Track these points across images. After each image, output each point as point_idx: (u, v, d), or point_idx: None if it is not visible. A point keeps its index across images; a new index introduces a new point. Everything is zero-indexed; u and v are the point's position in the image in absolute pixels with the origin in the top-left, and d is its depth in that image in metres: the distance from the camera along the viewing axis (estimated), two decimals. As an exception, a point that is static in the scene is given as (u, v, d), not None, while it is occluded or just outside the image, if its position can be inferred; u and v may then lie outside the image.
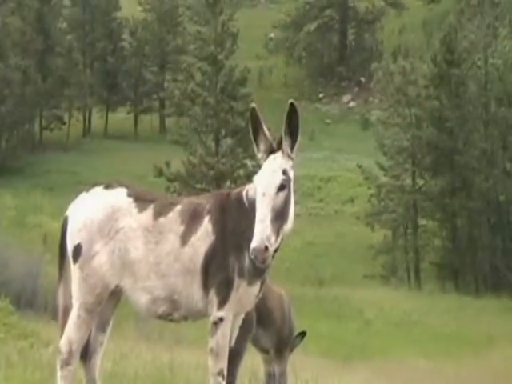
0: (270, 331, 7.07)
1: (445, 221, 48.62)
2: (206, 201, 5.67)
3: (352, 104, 76.93)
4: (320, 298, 37.46)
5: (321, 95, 78.58)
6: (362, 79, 78.24)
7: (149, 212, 5.64)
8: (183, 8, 78.33)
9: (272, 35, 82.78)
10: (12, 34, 62.78)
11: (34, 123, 66.00)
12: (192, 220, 5.57)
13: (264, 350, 7.24)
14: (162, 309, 5.60)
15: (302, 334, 7.37)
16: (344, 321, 34.46)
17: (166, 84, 70.99)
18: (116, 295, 5.73)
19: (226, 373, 5.49)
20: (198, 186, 42.17)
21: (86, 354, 5.82)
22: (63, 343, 5.66)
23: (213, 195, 5.82)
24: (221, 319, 5.43)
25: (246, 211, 5.44)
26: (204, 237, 5.51)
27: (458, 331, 33.45)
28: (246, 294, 5.50)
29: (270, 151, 5.36)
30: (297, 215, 5.47)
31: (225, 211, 5.55)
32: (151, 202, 5.70)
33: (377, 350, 28.49)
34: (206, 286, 5.48)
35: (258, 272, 5.43)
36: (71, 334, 5.64)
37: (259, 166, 5.41)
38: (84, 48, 72.41)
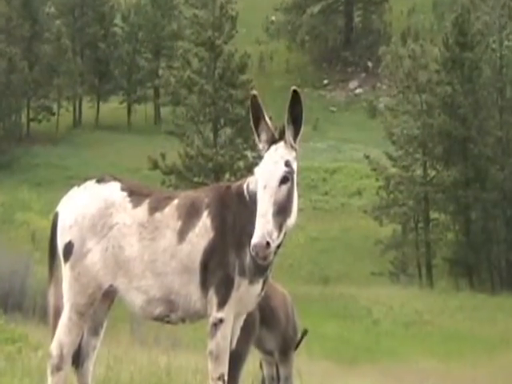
0: (274, 332, 7.07)
1: (458, 214, 48.64)
2: (204, 194, 5.65)
3: (359, 90, 76.89)
4: (325, 296, 37.55)
5: (325, 81, 78.54)
6: (370, 64, 78.18)
7: (144, 207, 5.62)
8: (179, -10, 78.27)
9: (273, 18, 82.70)
10: (-3, 19, 62.78)
11: (21, 114, 66.02)
12: (190, 215, 5.55)
13: (268, 352, 7.23)
14: (158, 310, 5.58)
15: (304, 332, 7.37)
16: (351, 321, 34.54)
17: (160, 71, 70.96)
18: (109, 296, 5.72)
19: (226, 377, 5.49)
20: (196, 179, 42.18)
21: (77, 358, 5.81)
22: (54, 347, 5.65)
23: (212, 189, 5.80)
24: (221, 320, 5.41)
25: (247, 205, 5.42)
26: (203, 233, 5.49)
27: (472, 331, 33.51)
28: (247, 293, 5.48)
29: (272, 141, 5.34)
30: (300, 209, 5.47)
31: (224, 205, 5.53)
32: (146, 196, 5.68)
33: (385, 352, 28.57)
34: (204, 285, 5.47)
35: (259, 270, 5.42)
36: (62, 337, 5.63)
37: (260, 158, 5.39)
38: (73, 34, 72.36)
